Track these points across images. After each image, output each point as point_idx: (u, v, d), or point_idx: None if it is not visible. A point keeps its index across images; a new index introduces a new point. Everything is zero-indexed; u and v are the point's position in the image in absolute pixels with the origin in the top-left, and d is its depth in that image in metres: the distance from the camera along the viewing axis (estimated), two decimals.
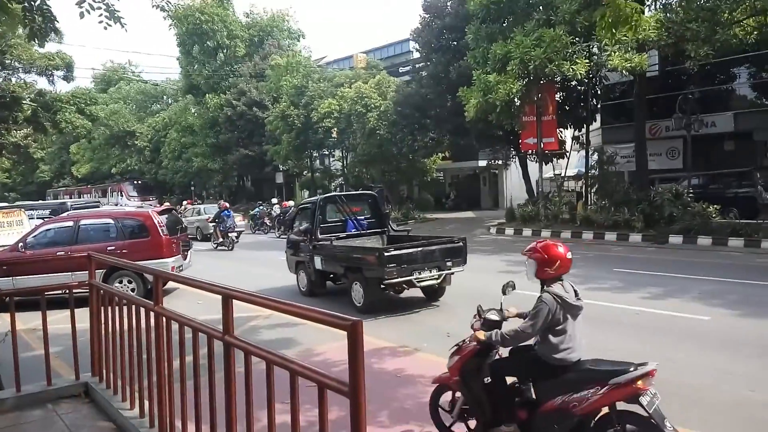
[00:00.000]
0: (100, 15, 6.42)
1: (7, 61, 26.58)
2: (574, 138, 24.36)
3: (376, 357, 6.53)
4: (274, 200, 31.33)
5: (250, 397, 2.62)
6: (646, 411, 3.35)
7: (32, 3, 6.62)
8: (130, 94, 55.46)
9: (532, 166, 23.98)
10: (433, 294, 9.89)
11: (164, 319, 3.45)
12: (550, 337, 3.75)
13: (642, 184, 18.96)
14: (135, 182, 49.70)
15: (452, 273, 9.45)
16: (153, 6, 8.67)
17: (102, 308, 4.39)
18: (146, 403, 3.71)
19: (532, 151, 22.39)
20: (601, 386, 3.46)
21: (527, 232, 20.01)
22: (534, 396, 3.96)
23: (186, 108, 45.13)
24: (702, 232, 15.64)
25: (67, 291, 4.68)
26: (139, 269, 5.11)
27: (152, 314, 3.57)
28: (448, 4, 24.89)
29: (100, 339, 4.48)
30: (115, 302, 4.15)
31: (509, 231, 20.78)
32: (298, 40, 42.90)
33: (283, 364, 2.39)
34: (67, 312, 4.60)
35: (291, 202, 27.25)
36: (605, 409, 3.55)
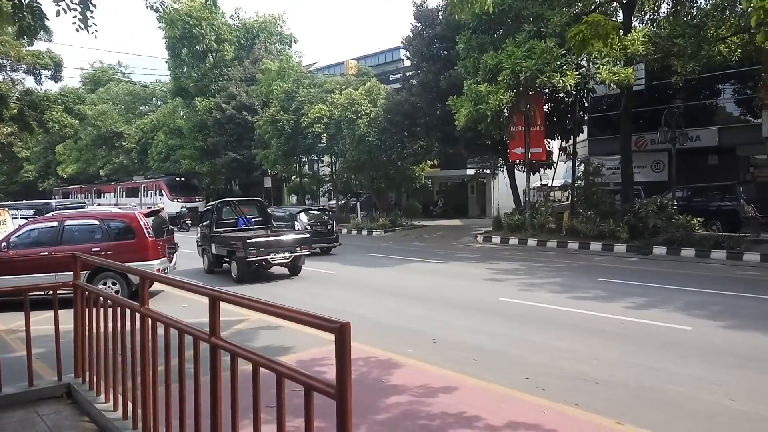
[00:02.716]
0: (74, 17, 6.41)
1: None
2: (562, 149, 24.60)
3: (362, 363, 6.53)
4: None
5: (236, 399, 2.62)
6: None
7: (22, 0, 6.58)
8: (118, 95, 54.96)
9: (520, 176, 24.15)
10: (292, 270, 13.74)
11: (150, 320, 3.43)
12: None
13: (627, 195, 19.18)
14: (177, 179, 39.94)
15: (300, 255, 13.45)
16: (147, 7, 8.68)
17: (87, 309, 4.35)
18: (130, 405, 3.68)
19: (520, 161, 22.56)
20: None
21: (513, 240, 20.14)
22: None
23: (174, 110, 44.79)
24: (685, 244, 15.86)
25: (51, 291, 4.64)
26: (126, 270, 5.06)
27: (138, 315, 3.55)
28: (440, 13, 25.06)
29: (83, 340, 4.44)
30: (100, 303, 4.11)
31: (496, 239, 20.89)
32: (290, 45, 42.86)
33: (269, 366, 2.39)
34: (48, 313, 4.55)
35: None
36: None
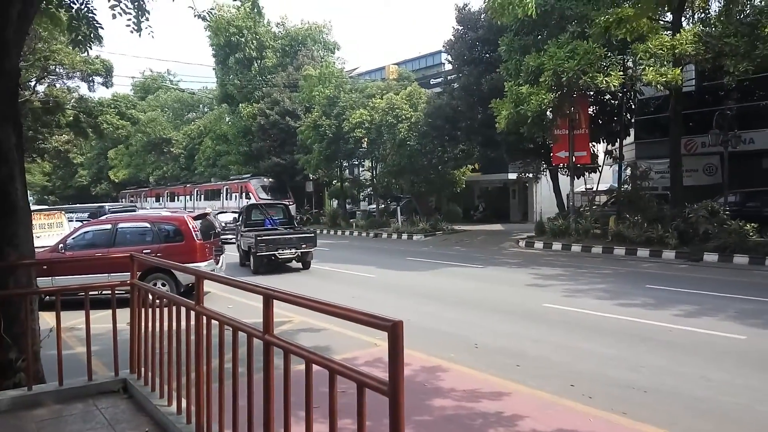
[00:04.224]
0: (129, 20, 6.64)
1: (50, 67, 27.47)
2: (607, 152, 24.06)
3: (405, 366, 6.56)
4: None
5: (289, 396, 2.69)
6: None
7: (79, 12, 6.87)
8: (167, 103, 56.82)
9: (563, 180, 23.76)
10: (303, 264, 15.81)
11: (205, 318, 3.56)
12: None
13: (676, 200, 18.61)
14: (266, 180, 37.31)
15: (307, 251, 15.51)
16: (195, 16, 8.95)
17: (143, 307, 4.53)
18: (183, 401, 3.81)
19: (564, 165, 22.19)
20: None
21: (557, 246, 19.80)
22: None
23: (221, 116, 45.92)
24: (738, 250, 15.27)
25: (110, 290, 4.85)
26: (182, 270, 5.23)
27: (193, 314, 3.68)
28: (482, 16, 24.93)
29: (139, 337, 4.62)
30: (156, 302, 4.28)
31: (538, 244, 20.58)
32: (333, 52, 43.37)
33: (322, 363, 2.45)
34: (101, 313, 4.74)
35: None
36: None
